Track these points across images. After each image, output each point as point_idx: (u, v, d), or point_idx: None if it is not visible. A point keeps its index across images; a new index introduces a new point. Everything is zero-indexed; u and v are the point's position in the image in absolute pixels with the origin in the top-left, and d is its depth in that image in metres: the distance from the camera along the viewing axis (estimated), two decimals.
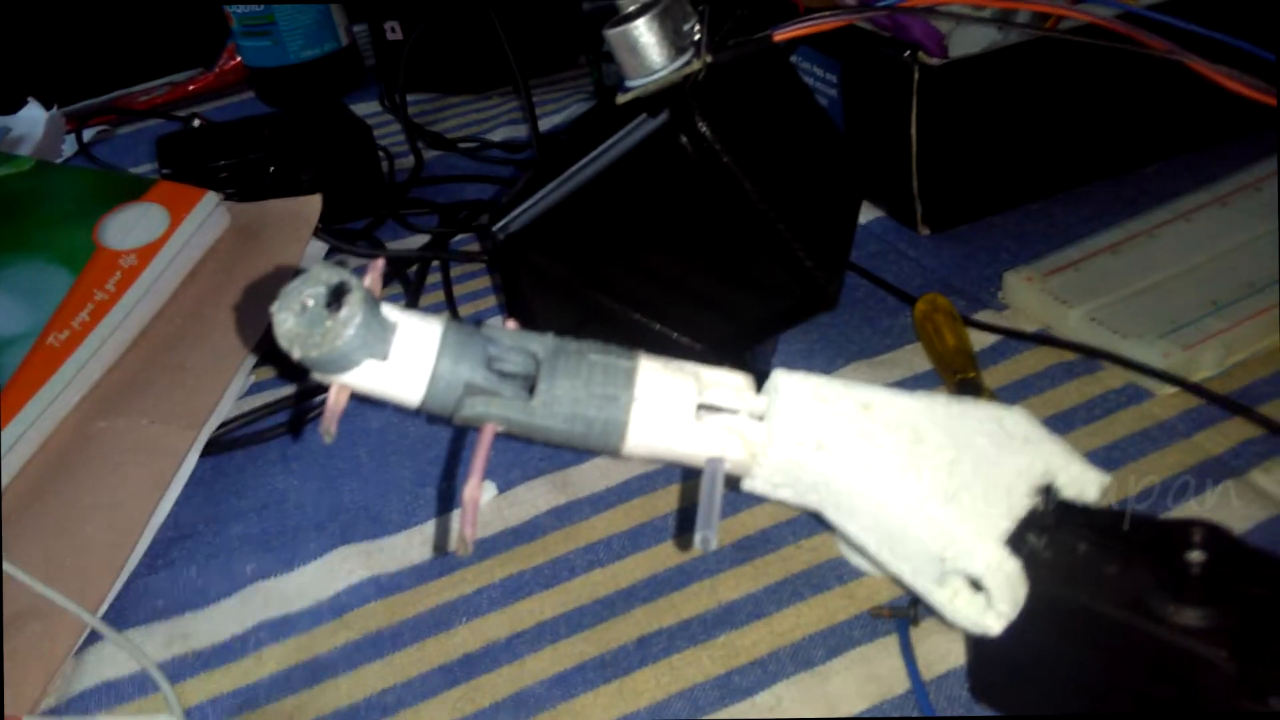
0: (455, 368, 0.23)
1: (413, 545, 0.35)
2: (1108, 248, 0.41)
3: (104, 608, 0.34)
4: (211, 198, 0.48)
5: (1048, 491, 0.24)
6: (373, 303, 0.22)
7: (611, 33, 0.32)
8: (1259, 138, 0.46)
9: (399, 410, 0.40)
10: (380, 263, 0.24)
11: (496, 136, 0.64)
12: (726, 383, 0.24)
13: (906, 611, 0.29)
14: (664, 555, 0.33)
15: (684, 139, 0.32)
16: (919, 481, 0.23)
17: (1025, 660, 0.25)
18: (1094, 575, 0.23)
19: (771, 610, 0.31)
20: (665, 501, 0.35)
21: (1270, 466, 0.32)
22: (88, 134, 0.71)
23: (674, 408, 0.24)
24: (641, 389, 0.24)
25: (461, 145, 0.63)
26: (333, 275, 0.22)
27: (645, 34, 0.32)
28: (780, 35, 0.34)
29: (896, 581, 0.26)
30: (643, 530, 0.34)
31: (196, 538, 0.37)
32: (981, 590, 0.24)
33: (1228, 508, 0.31)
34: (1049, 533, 0.24)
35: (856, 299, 0.43)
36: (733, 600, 0.31)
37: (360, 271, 0.23)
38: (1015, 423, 0.25)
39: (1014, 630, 0.24)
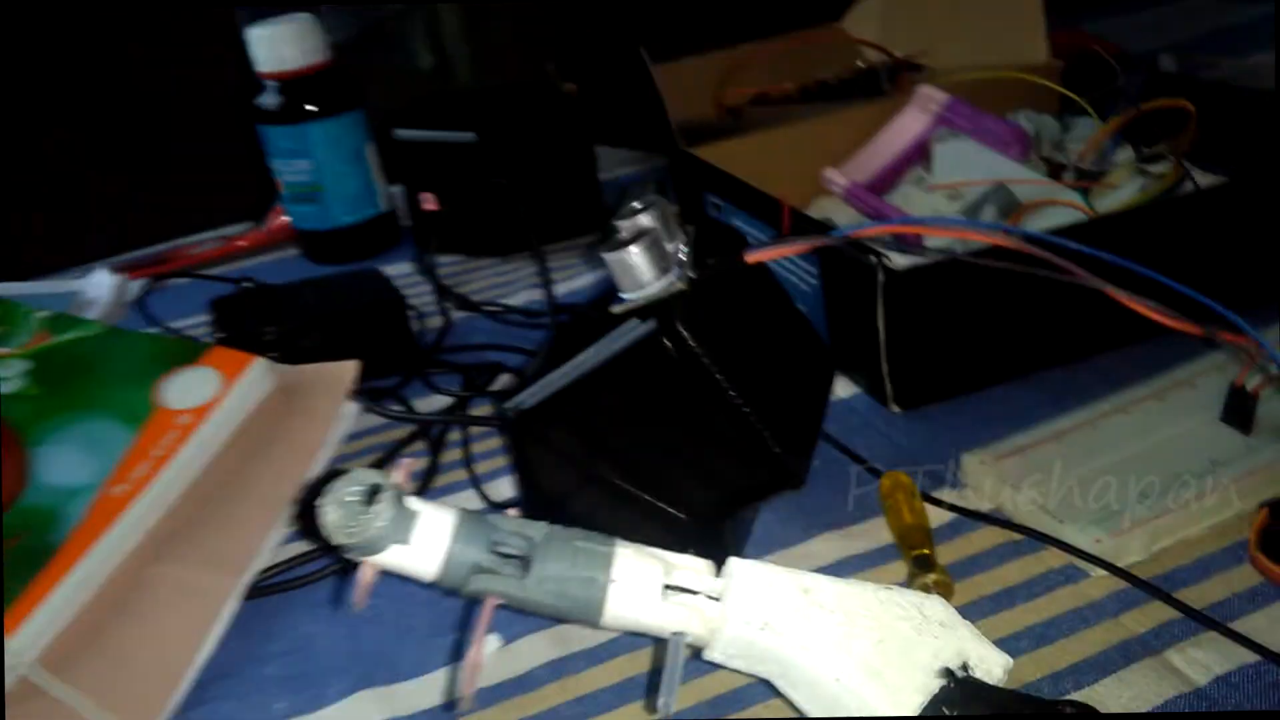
0: (465, 550, 0.28)
1: (425, 691, 0.39)
2: (1053, 436, 0.46)
3: None
4: (261, 364, 0.54)
5: (960, 670, 0.28)
6: (400, 498, 0.27)
7: (608, 256, 0.38)
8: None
9: None
10: (408, 462, 0.29)
11: (517, 300, 0.71)
12: (689, 567, 0.29)
13: None
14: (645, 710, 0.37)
15: (668, 343, 0.38)
16: (849, 658, 0.28)
17: None
18: None
19: None
20: (651, 657, 0.39)
21: (1184, 647, 0.36)
22: (137, 284, 0.77)
23: (643, 588, 0.29)
24: (617, 572, 0.28)
25: (485, 308, 0.70)
26: (369, 477, 0.27)
27: (636, 258, 0.38)
28: (751, 258, 0.40)
29: None
30: (629, 684, 0.38)
31: (232, 676, 0.41)
32: None
33: (1143, 683, 0.35)
34: (957, 708, 0.28)
35: (832, 470, 0.48)
36: None
37: (391, 464, 0.28)
38: (933, 609, 0.29)
39: None
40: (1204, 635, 0.36)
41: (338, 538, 0.26)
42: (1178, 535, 0.40)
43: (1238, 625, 0.36)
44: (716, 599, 0.29)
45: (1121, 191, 0.59)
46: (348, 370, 0.55)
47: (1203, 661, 0.35)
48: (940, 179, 0.67)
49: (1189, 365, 0.49)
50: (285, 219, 0.87)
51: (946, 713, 0.28)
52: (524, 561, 0.28)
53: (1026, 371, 0.53)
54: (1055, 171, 0.64)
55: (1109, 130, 0.64)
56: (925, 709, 0.27)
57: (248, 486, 0.50)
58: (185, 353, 0.55)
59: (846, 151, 0.73)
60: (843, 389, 0.54)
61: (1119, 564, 0.39)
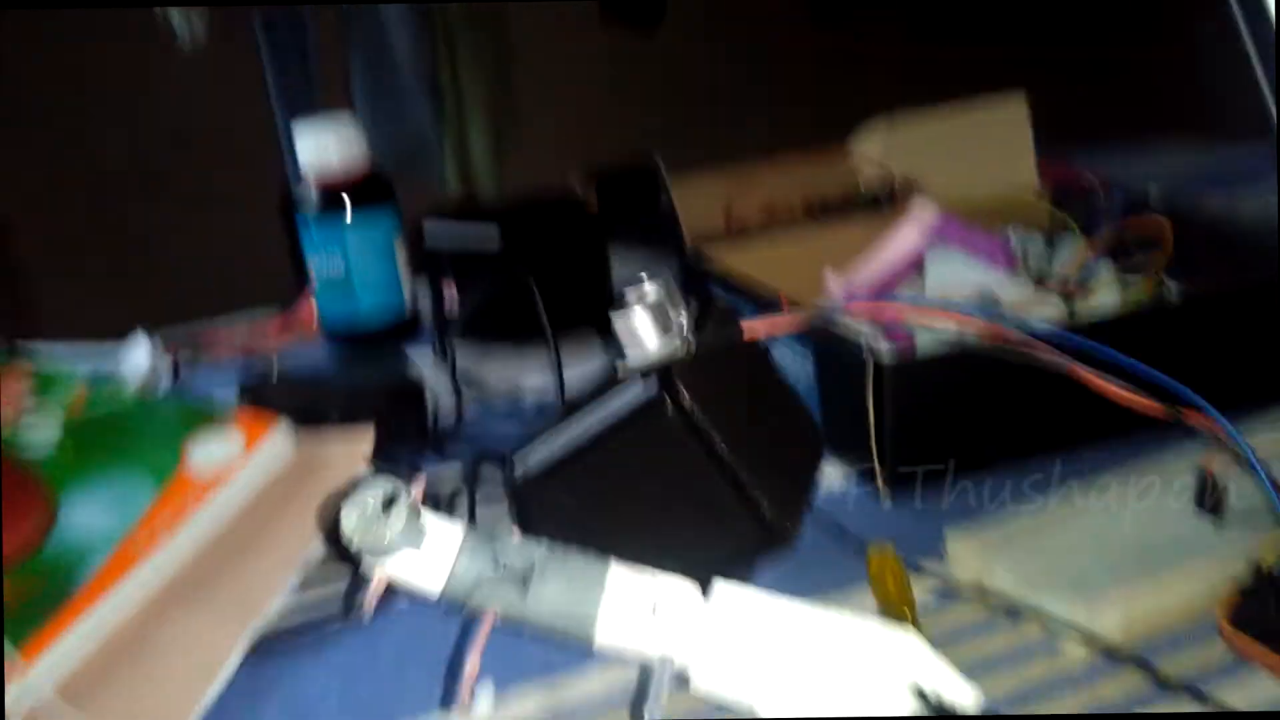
0: (470, 564, 0.30)
1: None
2: (1033, 519, 0.48)
3: None
4: (283, 428, 0.57)
5: (929, 697, 0.30)
6: (415, 511, 0.30)
7: (615, 316, 0.42)
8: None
9: (415, 619, 0.47)
10: (423, 476, 0.31)
11: (530, 383, 0.74)
12: (677, 588, 0.31)
13: None
14: None
15: (668, 402, 0.41)
16: (824, 682, 0.30)
17: None
18: None
19: None
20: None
21: (1156, 708, 0.37)
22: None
23: (634, 606, 0.31)
24: (610, 588, 0.31)
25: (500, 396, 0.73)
26: (387, 485, 0.30)
27: (641, 323, 0.41)
28: (748, 327, 0.43)
29: None
30: None
31: None
32: None
33: None
34: None
35: (823, 544, 0.50)
36: None
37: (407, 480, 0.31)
38: (909, 641, 0.31)
39: None
40: (1176, 700, 0.38)
41: (356, 540, 0.29)
42: (1151, 609, 0.42)
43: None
44: (701, 620, 0.31)
45: (1102, 301, 0.62)
46: (365, 438, 0.58)
47: None
48: (932, 289, 0.70)
49: (1165, 458, 0.51)
50: (311, 311, 0.91)
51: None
52: (525, 578, 0.31)
53: (1011, 460, 0.55)
54: (1040, 284, 0.68)
55: (1092, 247, 0.68)
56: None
57: (262, 544, 0.52)
58: (211, 416, 0.58)
59: (847, 262, 0.77)
60: (834, 474, 0.57)
61: (1095, 631, 0.41)
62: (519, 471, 0.45)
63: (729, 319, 0.44)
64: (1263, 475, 0.39)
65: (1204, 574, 0.43)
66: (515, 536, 0.32)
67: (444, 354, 0.80)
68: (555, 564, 0.30)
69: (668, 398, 0.41)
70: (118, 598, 0.47)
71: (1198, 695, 0.37)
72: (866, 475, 0.55)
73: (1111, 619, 0.41)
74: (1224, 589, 0.42)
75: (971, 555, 0.46)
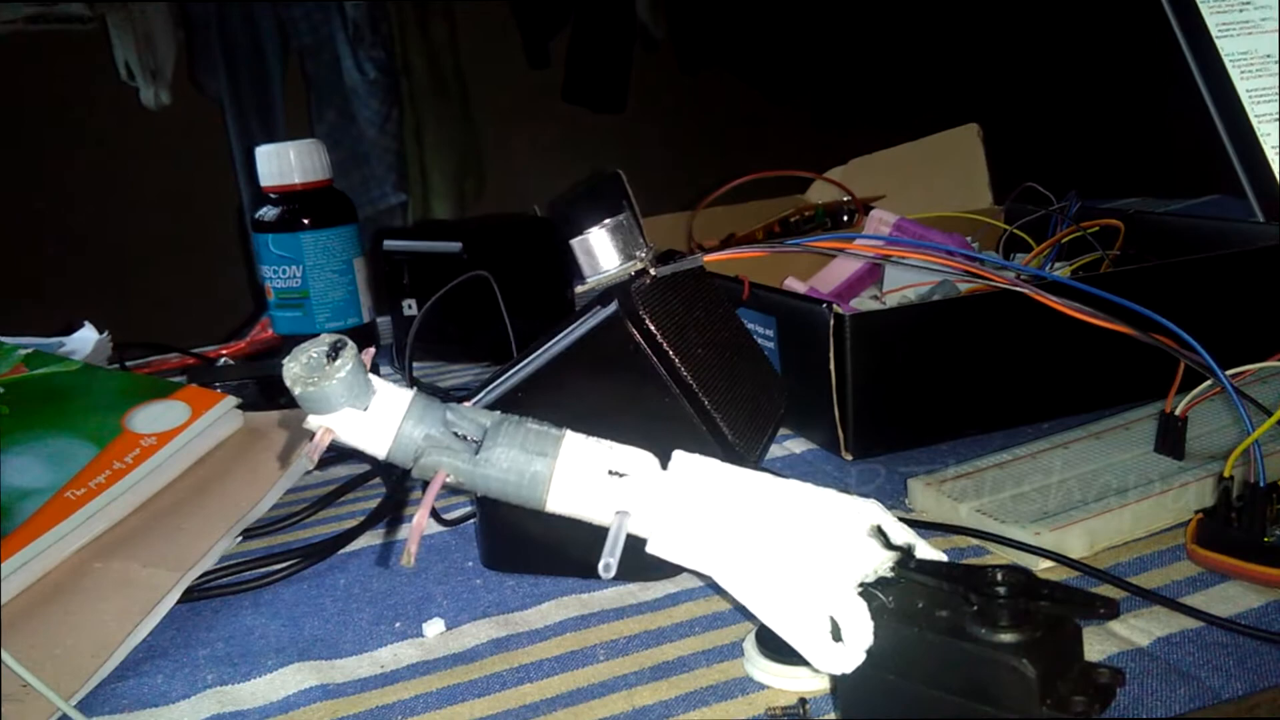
0: (418, 425, 0.29)
1: (363, 665, 0.38)
2: (995, 465, 0.47)
3: (75, 700, 0.37)
4: (230, 400, 0.56)
5: (896, 550, 0.29)
6: (361, 364, 0.29)
7: (573, 241, 0.41)
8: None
9: (362, 565, 0.45)
10: (371, 349, 0.30)
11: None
12: (635, 456, 0.30)
13: (797, 710, 0.32)
14: (589, 675, 0.36)
15: (629, 323, 0.40)
16: (788, 547, 0.28)
17: (881, 712, 0.28)
18: (928, 616, 0.27)
19: (678, 713, 0.34)
20: (596, 635, 0.39)
21: (1126, 619, 0.36)
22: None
23: (590, 469, 0.29)
24: (565, 451, 0.29)
25: (455, 393, 0.72)
26: (332, 338, 0.29)
27: (600, 243, 0.41)
28: (709, 258, 0.43)
29: (778, 632, 0.30)
30: (572, 657, 0.38)
31: (166, 656, 0.40)
32: (840, 641, 0.28)
33: (1086, 646, 0.35)
34: (895, 590, 0.28)
35: None
36: (645, 705, 0.34)
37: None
38: (868, 507, 0.30)
39: (871, 677, 0.28)
40: (1145, 609, 0.37)
41: (298, 388, 0.28)
42: (1115, 535, 0.41)
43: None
44: (659, 488, 0.30)
45: None
46: None
47: (1144, 628, 0.36)
48: (890, 288, 0.71)
49: (1126, 413, 0.51)
50: (269, 334, 0.90)
51: (882, 597, 0.28)
52: (477, 444, 0.29)
53: (971, 429, 0.55)
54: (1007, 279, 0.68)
55: (1048, 244, 0.69)
56: (864, 593, 0.28)
57: (204, 504, 0.50)
58: (157, 389, 0.57)
59: (807, 273, 0.78)
60: (797, 445, 0.56)
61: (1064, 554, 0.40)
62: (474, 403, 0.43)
63: (693, 265, 0.43)
64: (1229, 385, 0.39)
65: (1166, 502, 0.42)
66: (469, 404, 0.31)
67: (402, 364, 0.79)
68: (509, 428, 0.29)
69: (628, 316, 0.40)
70: (49, 543, 0.45)
71: (1171, 604, 0.36)
72: (829, 445, 0.54)
73: (1078, 543, 0.40)
74: (1187, 515, 0.41)
75: (933, 498, 0.45)
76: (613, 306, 0.41)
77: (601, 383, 0.41)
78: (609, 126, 2.25)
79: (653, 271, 0.42)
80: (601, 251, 0.41)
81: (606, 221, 0.42)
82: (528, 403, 0.42)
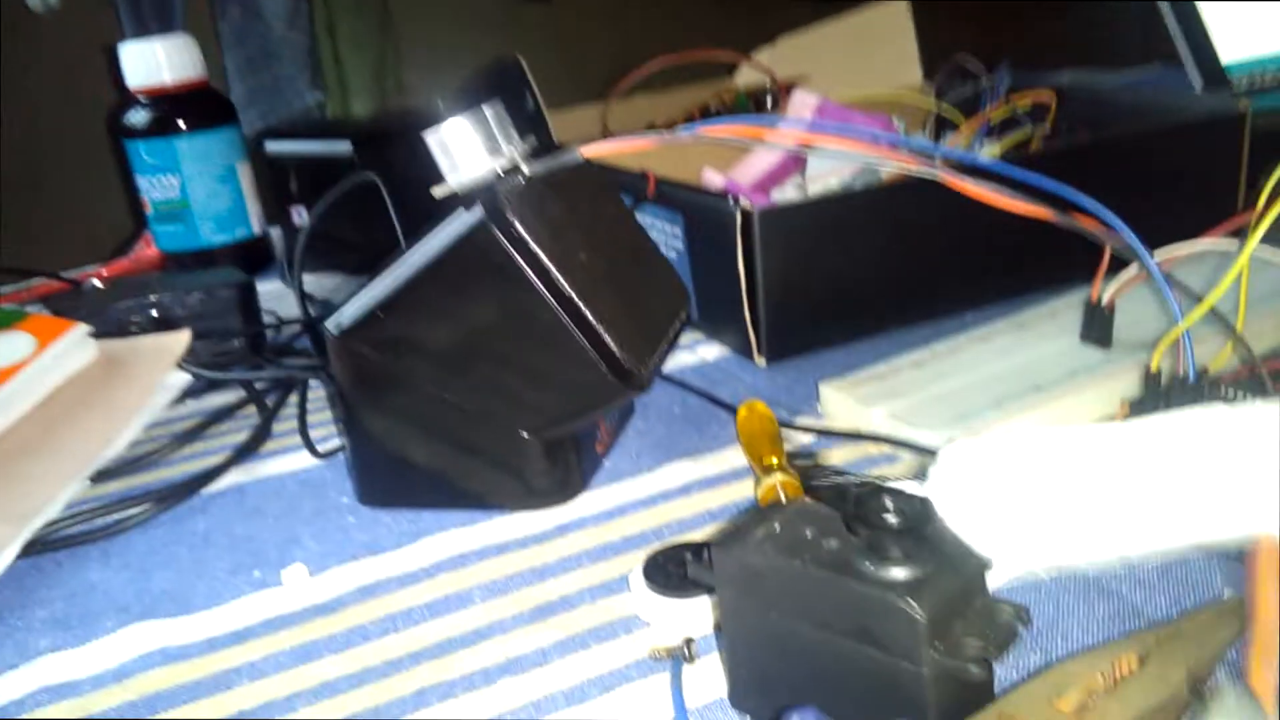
0: None
1: (212, 622, 0.34)
2: (911, 364, 0.44)
3: None
4: (80, 329, 0.50)
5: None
6: None
7: (426, 134, 0.36)
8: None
9: (225, 511, 0.41)
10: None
11: None
12: None
13: (680, 650, 0.29)
14: (462, 621, 0.33)
15: (495, 230, 0.35)
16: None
17: (765, 652, 0.25)
18: (815, 546, 0.24)
19: (555, 659, 0.30)
20: (474, 576, 0.35)
21: None
22: None
23: None
24: None
25: None
26: None
27: (458, 136, 0.36)
28: (588, 152, 0.38)
29: None
30: (446, 601, 0.34)
31: (1, 620, 0.36)
32: None
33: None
34: (784, 515, 0.25)
35: (691, 413, 0.45)
36: (520, 654, 0.31)
37: None
38: None
39: (755, 614, 0.24)
40: None
41: None
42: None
43: None
44: None
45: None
46: (178, 341, 0.52)
47: None
48: (814, 181, 0.67)
49: (1054, 300, 0.48)
50: (153, 250, 0.83)
51: (774, 530, 0.24)
52: None
53: (891, 326, 0.51)
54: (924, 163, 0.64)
55: (977, 121, 0.65)
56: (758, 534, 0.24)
57: (52, 446, 0.45)
58: (1, 319, 0.51)
59: (728, 162, 0.73)
60: (709, 352, 0.52)
61: None
62: (330, 326, 0.39)
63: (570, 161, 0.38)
64: (1155, 270, 0.36)
65: (1091, 395, 0.39)
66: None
67: (290, 268, 0.73)
68: None
69: (494, 220, 0.35)
70: None
71: None
72: (742, 350, 0.51)
73: None
74: (1113, 408, 0.38)
75: (845, 403, 0.42)
76: (477, 212, 0.36)
77: (471, 299, 0.37)
78: (540, 17, 2.13)
79: (525, 170, 0.37)
80: (460, 147, 0.36)
81: (465, 112, 0.37)
82: (391, 325, 0.38)
